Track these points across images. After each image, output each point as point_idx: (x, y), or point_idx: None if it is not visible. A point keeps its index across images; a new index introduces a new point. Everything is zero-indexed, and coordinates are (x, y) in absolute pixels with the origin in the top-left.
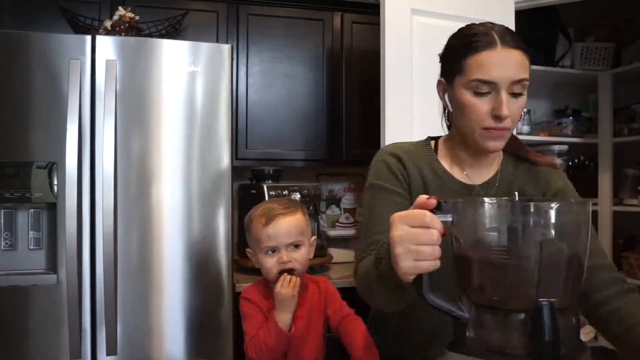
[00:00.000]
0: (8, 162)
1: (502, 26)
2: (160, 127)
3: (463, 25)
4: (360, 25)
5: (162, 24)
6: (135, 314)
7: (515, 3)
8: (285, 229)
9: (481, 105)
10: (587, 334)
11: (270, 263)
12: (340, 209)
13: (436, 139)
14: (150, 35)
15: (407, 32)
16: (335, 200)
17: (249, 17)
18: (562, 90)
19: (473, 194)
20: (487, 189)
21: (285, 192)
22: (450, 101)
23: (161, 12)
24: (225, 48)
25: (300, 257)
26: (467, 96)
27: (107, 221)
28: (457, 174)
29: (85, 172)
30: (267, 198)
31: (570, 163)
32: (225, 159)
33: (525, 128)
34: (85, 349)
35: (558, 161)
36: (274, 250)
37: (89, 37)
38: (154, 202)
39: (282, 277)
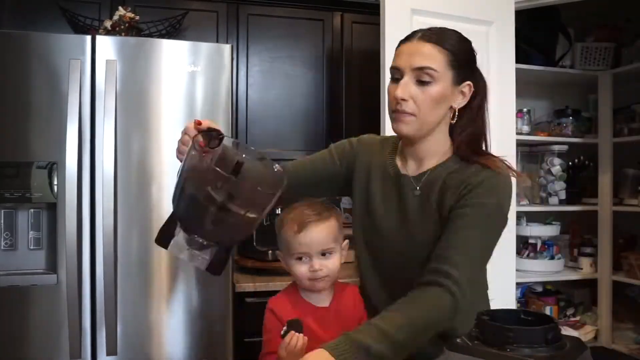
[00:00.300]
0: (8, 162)
1: (443, 28)
2: (160, 127)
3: (463, 25)
4: (360, 25)
5: (162, 24)
6: (135, 314)
7: (515, 3)
8: (317, 237)
9: (392, 90)
10: (587, 333)
11: (301, 270)
12: (340, 209)
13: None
14: (150, 35)
15: (407, 32)
16: (335, 200)
17: (249, 17)
18: (562, 90)
19: (402, 182)
20: (416, 181)
21: None
22: None
23: (161, 12)
24: (226, 48)
25: (332, 264)
26: (388, 83)
27: (107, 221)
28: (400, 164)
29: (85, 172)
30: None
31: (570, 163)
32: None
33: (525, 128)
34: (85, 349)
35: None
36: (305, 257)
37: (89, 37)
38: (154, 202)
39: (287, 338)
